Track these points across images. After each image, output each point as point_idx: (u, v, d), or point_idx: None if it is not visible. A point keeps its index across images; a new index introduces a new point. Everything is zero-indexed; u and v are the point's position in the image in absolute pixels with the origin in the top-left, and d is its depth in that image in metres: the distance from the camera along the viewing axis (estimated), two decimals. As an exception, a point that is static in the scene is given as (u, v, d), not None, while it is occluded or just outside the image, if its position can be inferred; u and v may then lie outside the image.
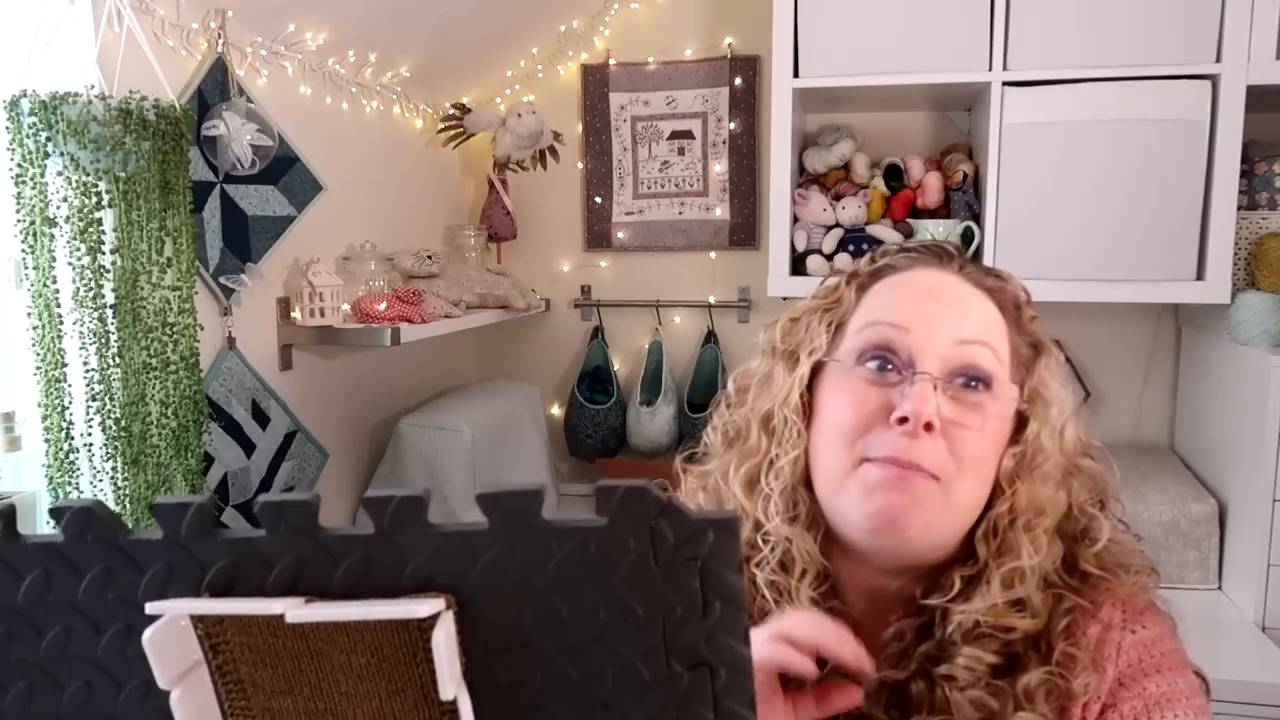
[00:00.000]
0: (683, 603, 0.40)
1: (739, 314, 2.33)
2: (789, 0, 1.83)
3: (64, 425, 1.20)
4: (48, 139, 1.15)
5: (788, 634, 0.61)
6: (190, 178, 1.31)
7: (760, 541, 0.73)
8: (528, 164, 2.25)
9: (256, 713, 0.41)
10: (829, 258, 1.92)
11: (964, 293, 0.73)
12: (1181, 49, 1.68)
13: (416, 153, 2.17)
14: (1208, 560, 1.76)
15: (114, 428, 1.23)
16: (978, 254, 1.82)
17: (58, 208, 1.17)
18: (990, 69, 1.77)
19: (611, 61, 2.31)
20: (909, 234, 1.91)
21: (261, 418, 1.59)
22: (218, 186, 1.48)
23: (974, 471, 0.68)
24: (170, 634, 0.40)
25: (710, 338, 2.32)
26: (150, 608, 0.40)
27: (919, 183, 1.96)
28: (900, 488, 0.66)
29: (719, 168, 2.28)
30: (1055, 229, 1.76)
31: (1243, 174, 1.79)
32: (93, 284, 1.20)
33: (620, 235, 2.36)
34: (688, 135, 2.30)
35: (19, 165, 1.16)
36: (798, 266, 1.94)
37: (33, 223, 1.17)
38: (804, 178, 2.10)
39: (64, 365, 1.19)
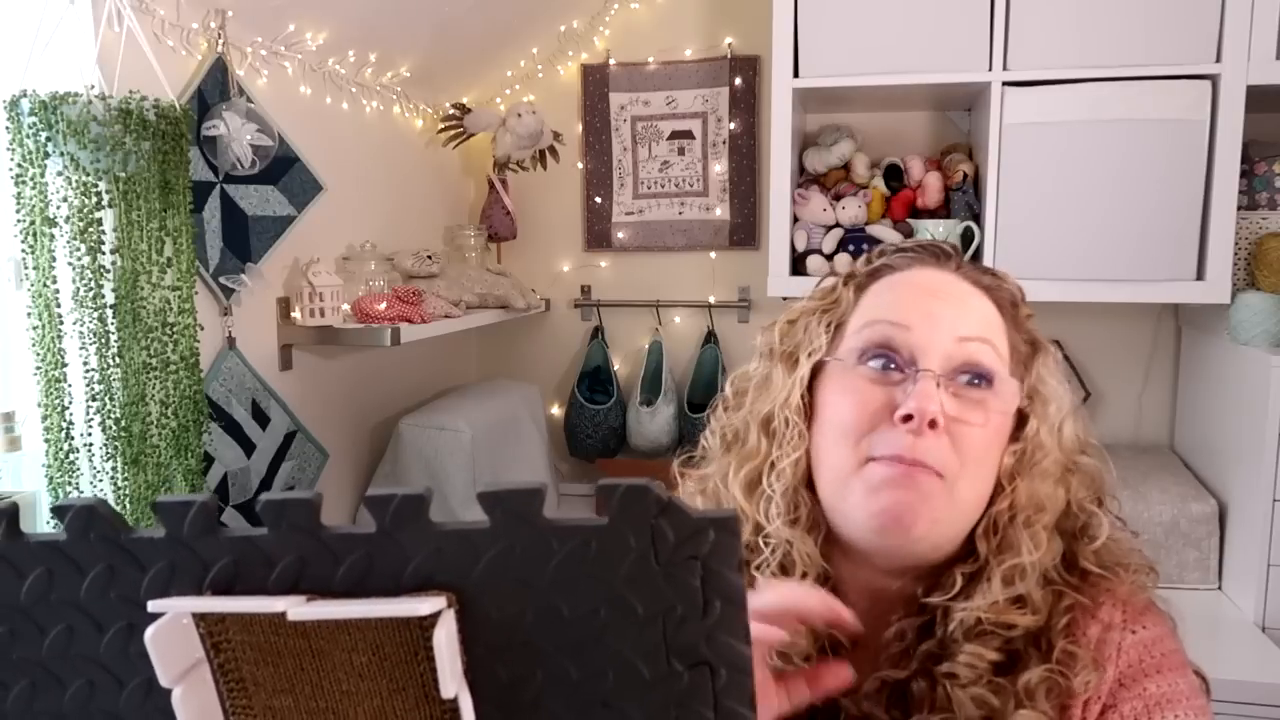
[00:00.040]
0: (683, 602, 0.40)
1: (739, 314, 2.33)
2: (789, 0, 1.83)
3: (64, 425, 1.20)
4: (48, 139, 1.15)
5: (753, 611, 0.61)
6: (190, 178, 1.31)
7: (760, 544, 0.73)
8: (528, 164, 2.25)
9: (258, 711, 0.42)
10: (829, 258, 1.93)
11: (963, 291, 0.73)
12: (1181, 49, 1.68)
13: (416, 153, 2.17)
14: (1208, 560, 1.76)
15: (114, 428, 1.23)
16: (978, 254, 1.82)
17: (58, 208, 1.17)
18: (990, 69, 1.77)
19: (611, 61, 2.31)
20: (909, 234, 1.91)
21: (261, 418, 1.59)
22: (218, 186, 1.48)
23: (977, 468, 0.68)
24: (172, 632, 0.40)
25: (710, 338, 2.32)
26: (152, 606, 0.40)
27: (919, 183, 1.96)
28: (906, 485, 0.66)
29: (719, 168, 2.29)
30: (1055, 229, 1.76)
31: (1243, 174, 1.79)
32: (93, 284, 1.20)
33: (620, 235, 2.36)
34: (688, 135, 2.30)
35: (19, 165, 1.16)
36: (798, 266, 1.95)
37: (33, 223, 1.17)
38: (804, 178, 2.10)
39: (64, 365, 1.19)
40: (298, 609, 0.38)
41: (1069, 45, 1.73)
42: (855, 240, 1.93)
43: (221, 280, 1.49)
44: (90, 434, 1.22)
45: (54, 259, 1.18)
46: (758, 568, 0.72)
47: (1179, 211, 1.71)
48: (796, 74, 1.86)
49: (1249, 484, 1.66)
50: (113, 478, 1.23)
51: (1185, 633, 0.73)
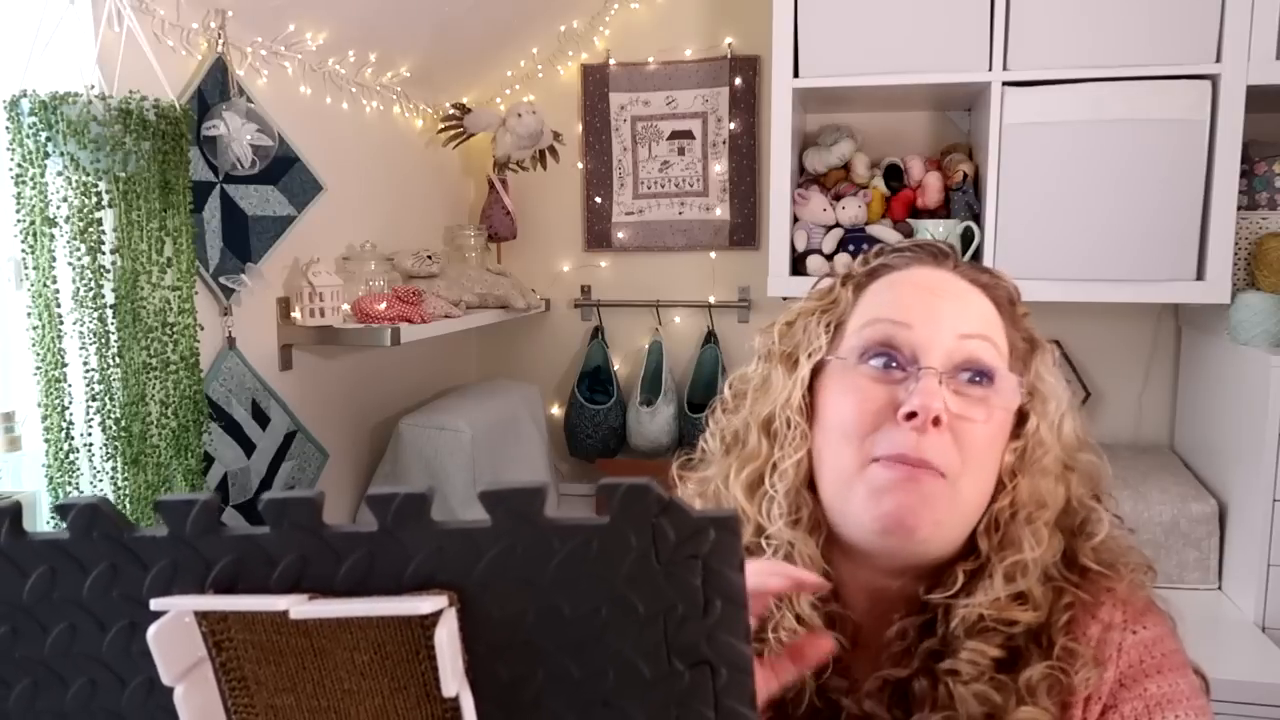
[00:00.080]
0: (684, 601, 0.40)
1: (739, 314, 2.33)
2: (789, 0, 1.83)
3: (64, 425, 1.20)
4: (48, 139, 1.15)
5: None
6: (190, 178, 1.31)
7: (762, 546, 0.73)
8: (528, 164, 2.25)
9: (260, 709, 0.42)
10: (829, 258, 1.93)
11: (961, 289, 0.73)
12: (1182, 49, 1.68)
13: (416, 153, 2.17)
14: (1208, 560, 1.76)
15: (114, 428, 1.23)
16: (978, 254, 1.82)
17: (58, 208, 1.17)
18: (990, 69, 1.77)
19: (611, 61, 2.31)
20: (909, 234, 1.91)
21: (261, 418, 1.59)
22: (218, 186, 1.48)
23: (979, 466, 0.69)
24: (174, 631, 0.40)
25: (710, 338, 2.32)
26: (155, 604, 0.40)
27: (919, 183, 1.96)
28: (908, 489, 0.66)
29: (719, 168, 2.29)
30: (1055, 229, 1.76)
31: (1243, 174, 1.79)
32: (93, 284, 1.20)
33: (620, 235, 2.36)
34: (688, 135, 2.30)
35: (19, 165, 1.16)
36: (798, 266, 1.95)
37: (33, 223, 1.17)
38: (804, 178, 2.10)
39: (64, 365, 1.19)
40: (300, 607, 0.38)
41: (1069, 45, 1.73)
42: (855, 240, 1.93)
43: (221, 280, 1.49)
44: (90, 434, 1.22)
45: (54, 259, 1.18)
46: None
47: (1179, 211, 1.71)
48: (796, 74, 1.86)
49: (1249, 484, 1.66)
50: (113, 478, 1.23)
51: (1185, 633, 0.73)
